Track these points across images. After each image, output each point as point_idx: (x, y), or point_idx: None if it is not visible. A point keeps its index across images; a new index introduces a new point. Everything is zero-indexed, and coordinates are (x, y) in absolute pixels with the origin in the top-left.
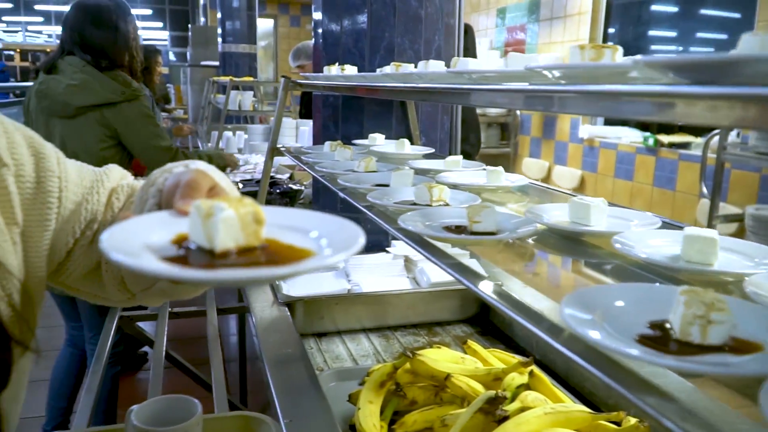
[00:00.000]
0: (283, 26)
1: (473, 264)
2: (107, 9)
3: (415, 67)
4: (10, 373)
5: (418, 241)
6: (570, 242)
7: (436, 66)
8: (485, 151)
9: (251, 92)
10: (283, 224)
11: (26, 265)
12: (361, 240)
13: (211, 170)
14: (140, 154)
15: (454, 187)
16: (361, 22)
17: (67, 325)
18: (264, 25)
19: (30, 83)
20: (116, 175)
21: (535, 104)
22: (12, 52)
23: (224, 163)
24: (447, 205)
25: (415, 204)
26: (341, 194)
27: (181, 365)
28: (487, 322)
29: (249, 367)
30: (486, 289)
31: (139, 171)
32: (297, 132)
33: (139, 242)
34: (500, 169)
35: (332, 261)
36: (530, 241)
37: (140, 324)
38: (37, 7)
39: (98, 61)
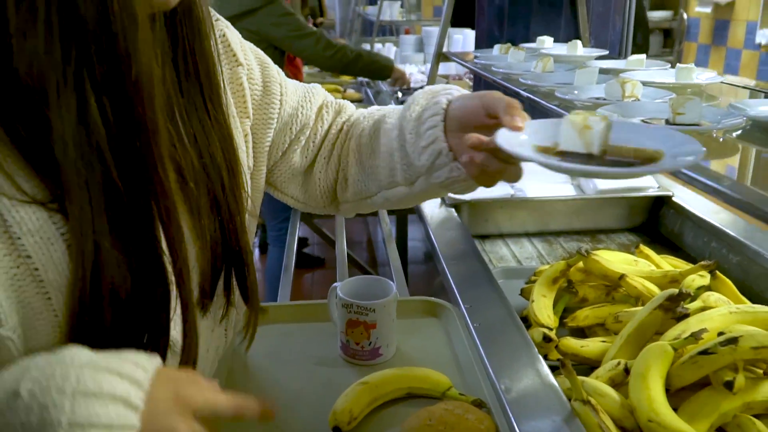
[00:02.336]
0: None
1: None
2: None
3: None
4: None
5: None
6: None
7: None
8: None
9: (399, 2)
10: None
11: (254, 158)
12: (703, 148)
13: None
14: (289, 48)
15: (643, 84)
16: None
17: None
18: None
19: None
20: (320, 92)
21: None
22: None
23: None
24: (638, 100)
25: (605, 100)
26: (525, 94)
27: (355, 263)
28: (654, 232)
29: (410, 268)
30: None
31: (293, 73)
32: (450, 40)
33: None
34: (692, 65)
35: (685, 162)
36: (734, 135)
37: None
38: None
39: None
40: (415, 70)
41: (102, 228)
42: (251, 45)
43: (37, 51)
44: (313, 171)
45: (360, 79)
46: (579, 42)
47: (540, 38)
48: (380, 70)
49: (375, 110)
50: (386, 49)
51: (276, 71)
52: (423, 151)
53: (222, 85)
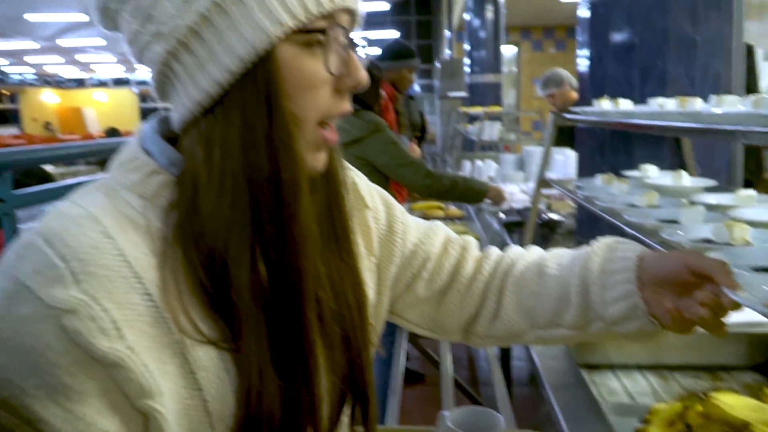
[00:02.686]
0: (525, 52)
1: None
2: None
3: (704, 101)
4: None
5: None
6: None
7: (730, 103)
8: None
9: (498, 122)
10: None
11: (377, 292)
12: None
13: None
14: (391, 174)
15: (752, 224)
16: (630, 51)
17: None
18: (507, 52)
19: None
20: (442, 228)
21: None
22: None
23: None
24: (750, 244)
25: (711, 242)
26: (629, 230)
27: (457, 383)
28: None
29: (514, 390)
30: None
31: (397, 191)
32: (551, 161)
33: None
34: None
35: None
36: None
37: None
38: None
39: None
40: (516, 189)
41: (265, 362)
42: (377, 187)
43: (224, 217)
44: (445, 303)
45: None
46: (684, 172)
47: (643, 167)
48: (476, 195)
49: (521, 252)
50: (486, 166)
51: (399, 210)
52: (613, 304)
53: (353, 233)
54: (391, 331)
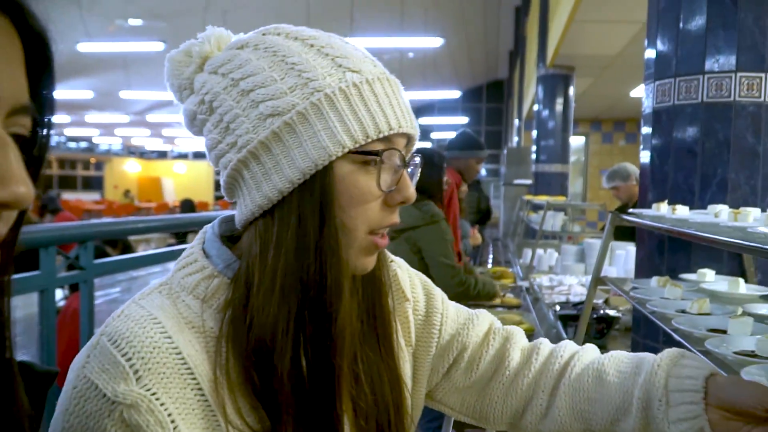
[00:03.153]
0: (594, 143)
1: None
2: (426, 155)
3: (762, 210)
4: None
5: None
6: None
7: None
8: None
9: (562, 212)
10: None
11: (413, 380)
12: None
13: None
14: (430, 265)
15: None
16: (693, 158)
17: None
18: (575, 141)
19: None
20: (486, 317)
21: None
22: None
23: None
24: None
25: (756, 356)
26: (676, 336)
27: None
28: None
29: None
30: None
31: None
32: (612, 255)
33: None
34: None
35: None
36: None
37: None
38: None
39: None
40: (575, 282)
41: None
42: (419, 275)
43: (272, 312)
44: (488, 393)
45: (520, 283)
46: (741, 280)
47: (701, 271)
48: (486, 298)
49: (575, 349)
50: (548, 255)
51: (440, 301)
52: (678, 423)
53: (394, 333)
54: (437, 415)
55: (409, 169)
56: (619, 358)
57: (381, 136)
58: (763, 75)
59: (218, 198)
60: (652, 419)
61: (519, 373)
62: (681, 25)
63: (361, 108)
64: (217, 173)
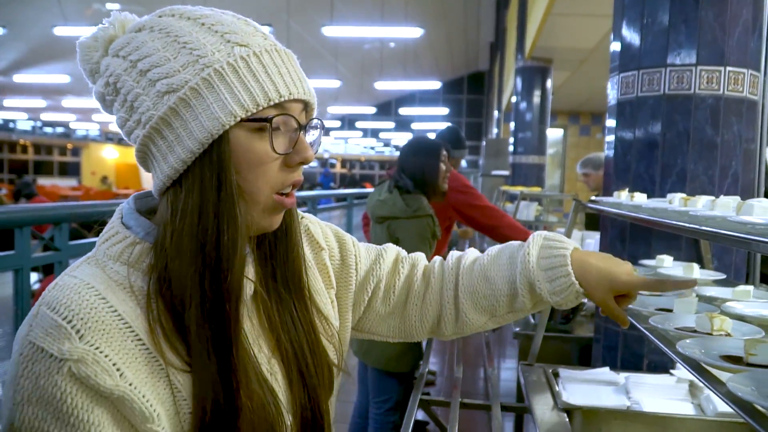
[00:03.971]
0: (572, 136)
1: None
2: (416, 141)
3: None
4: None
5: (695, 367)
6: None
7: (723, 206)
8: None
9: (536, 202)
10: None
11: (339, 318)
12: None
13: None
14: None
15: (740, 318)
16: (654, 149)
17: (361, 397)
18: (553, 134)
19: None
20: (393, 249)
21: None
22: (334, 161)
23: None
24: (728, 335)
25: (696, 332)
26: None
27: None
28: None
29: None
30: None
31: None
32: (582, 244)
33: None
34: None
35: None
36: None
37: (434, 408)
38: (357, 123)
39: (404, 185)
40: None
41: (210, 374)
42: (330, 226)
43: (182, 271)
44: (407, 314)
45: None
46: (696, 265)
47: (660, 257)
48: None
49: (459, 257)
50: None
51: (351, 243)
52: (557, 294)
53: (306, 284)
54: (389, 397)
55: (309, 132)
56: (496, 255)
57: (272, 103)
58: (722, 69)
59: None
60: (537, 295)
61: (426, 293)
62: (645, 20)
63: (250, 79)
64: None
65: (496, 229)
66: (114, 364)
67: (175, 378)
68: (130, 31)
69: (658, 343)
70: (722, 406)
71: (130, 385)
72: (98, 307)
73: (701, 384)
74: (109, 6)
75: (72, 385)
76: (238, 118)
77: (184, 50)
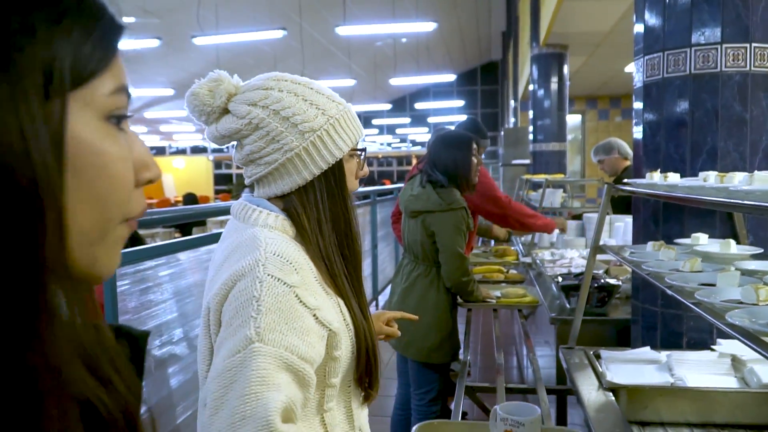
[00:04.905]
0: (590, 120)
1: None
2: (448, 135)
3: (745, 172)
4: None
5: (746, 336)
6: None
7: (760, 180)
8: None
9: (561, 189)
10: None
11: None
12: None
13: None
14: (440, 251)
15: None
16: (683, 129)
17: (402, 390)
18: (572, 120)
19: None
20: None
21: None
22: None
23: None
24: None
25: (741, 303)
26: (669, 292)
27: None
28: None
29: None
30: None
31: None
32: (611, 228)
33: None
34: None
35: None
36: None
37: (479, 395)
38: (373, 121)
39: (437, 179)
40: (576, 255)
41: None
42: None
43: (322, 239)
44: None
45: (522, 259)
46: (732, 241)
47: (695, 235)
48: (477, 300)
49: None
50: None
51: None
52: None
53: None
54: (432, 387)
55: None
56: None
57: (358, 141)
58: (747, 45)
59: (218, 192)
60: None
61: None
62: (667, 0)
63: (351, 125)
64: (217, 167)
65: (506, 217)
66: (312, 292)
67: (341, 305)
68: (250, 89)
69: (707, 315)
70: (767, 378)
71: (318, 303)
72: (300, 253)
73: (744, 358)
74: (124, 19)
75: (297, 302)
76: (348, 149)
77: (311, 106)
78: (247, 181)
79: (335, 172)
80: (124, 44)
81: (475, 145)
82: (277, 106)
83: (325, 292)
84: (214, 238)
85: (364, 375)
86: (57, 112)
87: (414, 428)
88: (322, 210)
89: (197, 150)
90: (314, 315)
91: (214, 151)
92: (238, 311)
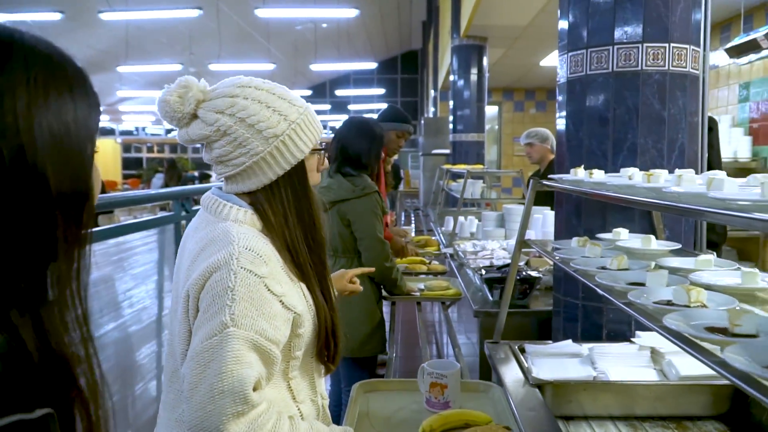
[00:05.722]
0: (506, 112)
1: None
2: (363, 124)
3: (669, 172)
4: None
5: (684, 340)
6: None
7: (688, 181)
8: (732, 234)
9: (480, 180)
10: None
11: None
12: None
13: None
14: (358, 238)
15: (708, 288)
16: (605, 125)
17: (334, 387)
18: (489, 111)
19: None
20: None
21: None
22: None
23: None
24: (705, 306)
25: (672, 304)
26: (600, 291)
27: None
28: (742, 421)
29: None
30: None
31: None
32: (530, 220)
33: None
34: (755, 270)
35: None
36: None
37: None
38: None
39: (346, 167)
40: (497, 246)
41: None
42: None
43: (287, 231)
44: None
45: (444, 250)
46: (652, 237)
47: (616, 230)
48: (401, 290)
49: None
50: (469, 223)
51: None
52: None
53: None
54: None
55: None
56: None
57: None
58: (666, 45)
59: (126, 177)
60: None
61: None
62: None
63: (312, 127)
64: (126, 150)
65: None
66: (278, 280)
67: (304, 290)
68: (217, 96)
69: (641, 318)
70: (684, 371)
71: (284, 291)
72: (268, 246)
73: (662, 350)
74: None
75: (266, 291)
76: (309, 150)
77: (274, 113)
78: (215, 179)
79: (298, 171)
80: (24, 17)
81: (400, 132)
82: (243, 114)
83: (290, 280)
84: (121, 231)
85: (323, 349)
86: None
87: (355, 385)
88: (287, 205)
89: (104, 132)
90: (281, 301)
91: (122, 133)
92: (215, 299)
